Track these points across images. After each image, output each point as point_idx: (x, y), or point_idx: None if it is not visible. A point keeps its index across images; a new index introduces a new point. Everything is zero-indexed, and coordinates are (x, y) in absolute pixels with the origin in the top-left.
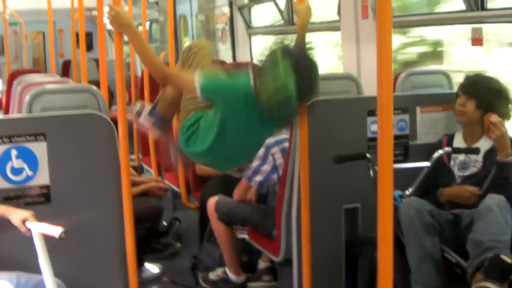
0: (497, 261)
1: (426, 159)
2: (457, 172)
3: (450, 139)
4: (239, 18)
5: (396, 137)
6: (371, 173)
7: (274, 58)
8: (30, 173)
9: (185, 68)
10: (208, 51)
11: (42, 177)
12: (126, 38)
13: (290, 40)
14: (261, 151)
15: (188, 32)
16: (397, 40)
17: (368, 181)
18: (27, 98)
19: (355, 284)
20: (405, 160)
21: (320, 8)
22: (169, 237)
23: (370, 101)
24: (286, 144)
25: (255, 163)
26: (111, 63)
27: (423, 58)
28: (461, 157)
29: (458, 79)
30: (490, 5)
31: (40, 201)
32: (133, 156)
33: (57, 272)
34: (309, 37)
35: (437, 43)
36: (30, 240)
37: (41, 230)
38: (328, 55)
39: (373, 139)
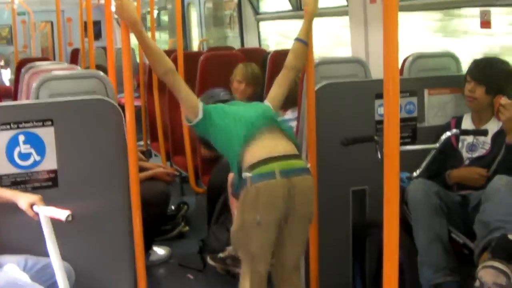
0: (504, 241)
1: (434, 142)
2: (465, 154)
3: (458, 121)
4: (247, 4)
5: (404, 120)
6: (379, 155)
7: None
8: (37, 158)
9: None
10: None
11: (50, 162)
12: None
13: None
14: None
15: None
16: None
17: (376, 164)
18: (34, 84)
19: (363, 266)
20: (413, 142)
21: None
22: (177, 220)
23: (378, 84)
24: (292, 123)
25: None
26: (119, 51)
27: None
28: (470, 139)
29: None
30: None
31: (48, 186)
32: (142, 142)
33: (65, 256)
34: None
35: None
36: (38, 224)
37: (48, 213)
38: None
39: (381, 122)
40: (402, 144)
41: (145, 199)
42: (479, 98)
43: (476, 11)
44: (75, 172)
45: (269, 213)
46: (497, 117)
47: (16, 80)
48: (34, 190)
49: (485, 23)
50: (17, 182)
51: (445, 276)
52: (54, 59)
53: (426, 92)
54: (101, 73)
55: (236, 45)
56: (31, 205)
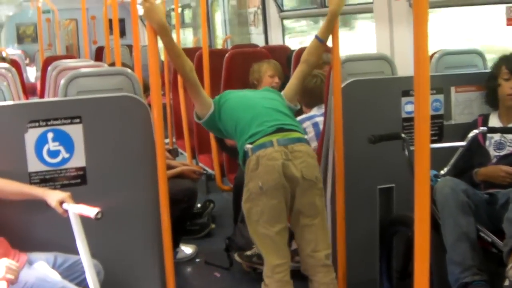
0: None
1: (461, 139)
2: (492, 152)
3: (485, 119)
4: (271, 2)
5: (431, 117)
6: (406, 153)
7: None
8: (66, 155)
9: None
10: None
11: (78, 159)
12: None
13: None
14: None
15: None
16: None
17: (402, 161)
18: (62, 81)
19: (390, 264)
20: (439, 140)
21: None
22: (204, 218)
23: (404, 81)
24: (318, 119)
25: None
26: (144, 49)
27: None
28: (497, 137)
29: None
30: None
31: (76, 183)
32: (167, 140)
33: (93, 253)
34: None
35: None
36: (67, 221)
37: (77, 211)
38: None
39: (407, 119)
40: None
41: (172, 196)
42: None
43: None
44: (103, 169)
45: (269, 177)
46: None
47: (43, 78)
48: (63, 187)
49: (511, 20)
50: (46, 180)
51: (472, 275)
52: (79, 57)
53: (452, 89)
54: (129, 70)
55: (260, 42)
56: (61, 203)
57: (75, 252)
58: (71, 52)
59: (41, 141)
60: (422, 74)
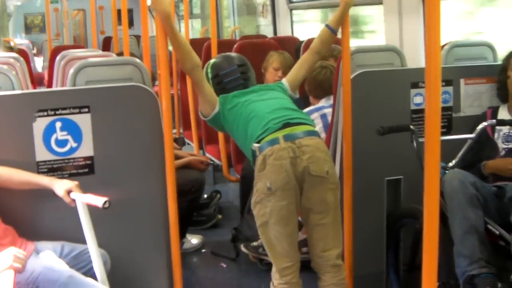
0: None
1: (470, 132)
2: (501, 145)
3: (494, 112)
4: None
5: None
6: (415, 145)
7: None
8: (74, 144)
9: None
10: None
11: (86, 149)
12: None
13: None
14: None
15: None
16: None
17: (411, 153)
18: (71, 71)
19: (397, 256)
20: (448, 132)
21: None
22: (210, 209)
23: (414, 73)
24: (326, 110)
25: None
26: (152, 39)
27: None
28: (506, 129)
29: None
30: None
31: (84, 172)
32: (175, 130)
33: (100, 242)
34: None
35: None
36: (74, 210)
37: (85, 200)
38: None
39: (416, 111)
40: None
41: (179, 186)
42: None
43: None
44: (111, 159)
45: (277, 177)
46: None
47: (50, 68)
48: (70, 177)
49: None
50: (54, 169)
51: (480, 268)
52: (87, 47)
53: (462, 81)
54: (138, 60)
55: (269, 33)
56: (68, 192)
57: (82, 241)
58: (79, 42)
59: (49, 130)
60: (433, 66)
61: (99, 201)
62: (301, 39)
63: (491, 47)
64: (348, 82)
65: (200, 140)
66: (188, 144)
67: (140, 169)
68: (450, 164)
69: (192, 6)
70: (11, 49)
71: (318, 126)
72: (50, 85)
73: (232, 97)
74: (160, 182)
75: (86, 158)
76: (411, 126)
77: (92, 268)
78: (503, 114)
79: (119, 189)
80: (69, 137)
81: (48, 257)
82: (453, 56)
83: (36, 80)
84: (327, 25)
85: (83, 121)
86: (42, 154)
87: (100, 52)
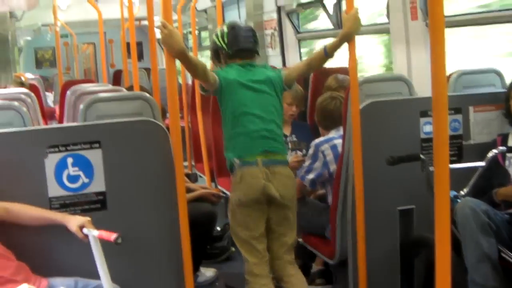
0: None
1: (480, 159)
2: None
3: (504, 139)
4: (287, 23)
5: (450, 138)
6: (425, 174)
7: None
8: (86, 180)
9: None
10: None
11: (98, 184)
12: None
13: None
14: (311, 151)
15: None
16: None
17: (422, 182)
18: (81, 106)
19: (411, 286)
20: (459, 160)
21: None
22: (223, 242)
23: (422, 102)
24: (336, 141)
25: (306, 162)
26: (161, 72)
27: None
28: None
29: None
30: None
31: (96, 208)
32: (186, 163)
33: (114, 277)
34: None
35: None
36: (87, 246)
37: (97, 235)
38: None
39: (426, 140)
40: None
41: (192, 219)
42: None
43: None
44: (123, 194)
45: (249, 193)
46: None
47: (61, 102)
48: (83, 212)
49: None
50: (66, 205)
51: None
52: (97, 81)
53: (471, 109)
54: (147, 95)
55: (278, 64)
56: (81, 228)
57: (96, 276)
58: (89, 76)
59: (61, 166)
60: (440, 95)
61: (111, 236)
62: None
63: (499, 74)
64: (357, 112)
65: (211, 172)
66: (200, 176)
67: (152, 203)
68: (462, 193)
69: (201, 38)
70: (22, 84)
71: (329, 157)
72: (61, 119)
73: (233, 67)
74: (172, 216)
75: (98, 194)
76: (421, 155)
77: None
78: None
79: (131, 224)
80: (80, 173)
81: None
82: (461, 83)
83: (48, 114)
84: (324, 48)
85: (94, 156)
86: (54, 190)
87: (110, 87)
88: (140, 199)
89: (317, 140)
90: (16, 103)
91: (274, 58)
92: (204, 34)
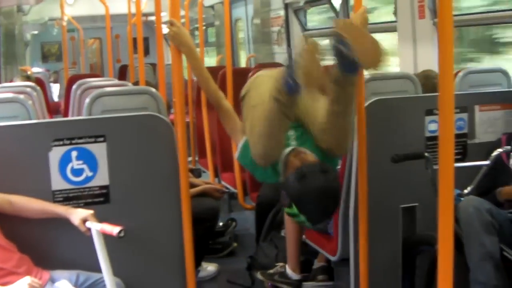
0: None
1: (485, 158)
2: None
3: (509, 138)
4: (294, 21)
5: (455, 136)
6: (429, 172)
7: None
8: (90, 173)
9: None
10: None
11: (102, 178)
12: None
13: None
14: None
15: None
16: None
17: (426, 180)
18: (87, 100)
19: (413, 284)
20: (463, 159)
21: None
22: (226, 237)
23: (428, 100)
24: None
25: None
26: (167, 67)
27: None
28: None
29: None
30: None
31: (100, 201)
32: (190, 158)
33: (116, 271)
34: None
35: None
36: (89, 239)
37: (100, 229)
38: None
39: (431, 138)
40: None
41: (195, 214)
42: None
43: None
44: (126, 188)
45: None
46: None
47: (67, 96)
48: (86, 205)
49: None
50: (70, 198)
51: None
52: (103, 75)
53: (476, 108)
54: (153, 90)
55: (284, 61)
56: (84, 221)
57: (98, 270)
58: (95, 71)
59: (65, 159)
60: (446, 94)
61: (114, 230)
62: None
63: (505, 73)
64: (363, 110)
65: (215, 168)
66: (204, 172)
67: (155, 198)
68: (466, 191)
69: (207, 34)
70: (28, 78)
71: None
72: (66, 114)
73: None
74: (175, 211)
75: (101, 187)
76: (426, 154)
77: None
78: None
79: (134, 218)
80: (84, 166)
81: (63, 286)
82: (467, 82)
83: (53, 109)
84: None
85: (99, 150)
86: (58, 183)
87: (116, 81)
88: (143, 193)
89: None
90: (21, 96)
91: (280, 55)
92: (211, 30)
